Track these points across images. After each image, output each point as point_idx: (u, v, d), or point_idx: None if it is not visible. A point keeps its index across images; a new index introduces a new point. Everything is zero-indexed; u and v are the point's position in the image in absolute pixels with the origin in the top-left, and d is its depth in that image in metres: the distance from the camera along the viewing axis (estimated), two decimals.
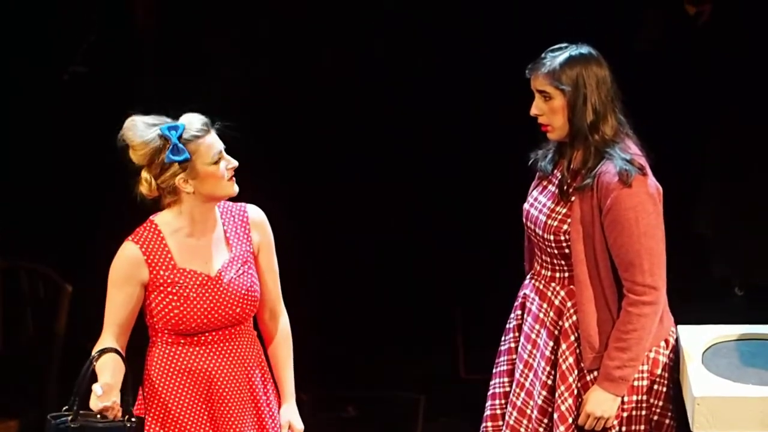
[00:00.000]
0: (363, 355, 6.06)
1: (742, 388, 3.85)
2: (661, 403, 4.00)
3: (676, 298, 4.04)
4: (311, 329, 4.22)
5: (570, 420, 3.97)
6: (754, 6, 6.01)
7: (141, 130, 3.69)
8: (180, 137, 3.69)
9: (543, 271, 4.07)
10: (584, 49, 3.94)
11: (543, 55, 3.95)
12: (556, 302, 4.02)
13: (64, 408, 3.64)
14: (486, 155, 6.46)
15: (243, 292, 3.79)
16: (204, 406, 3.80)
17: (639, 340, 3.89)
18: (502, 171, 6.09)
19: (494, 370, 4.20)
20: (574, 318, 3.98)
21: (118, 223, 4.00)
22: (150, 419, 3.79)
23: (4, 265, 5.05)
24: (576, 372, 3.97)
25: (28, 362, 4.98)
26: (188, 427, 3.78)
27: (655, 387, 3.99)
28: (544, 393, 4.01)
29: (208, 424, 3.80)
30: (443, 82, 6.55)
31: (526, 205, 4.10)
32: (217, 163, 3.72)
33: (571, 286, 3.99)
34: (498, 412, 4.16)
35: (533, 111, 3.98)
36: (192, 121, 3.73)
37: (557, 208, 3.98)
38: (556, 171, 4.03)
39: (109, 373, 3.64)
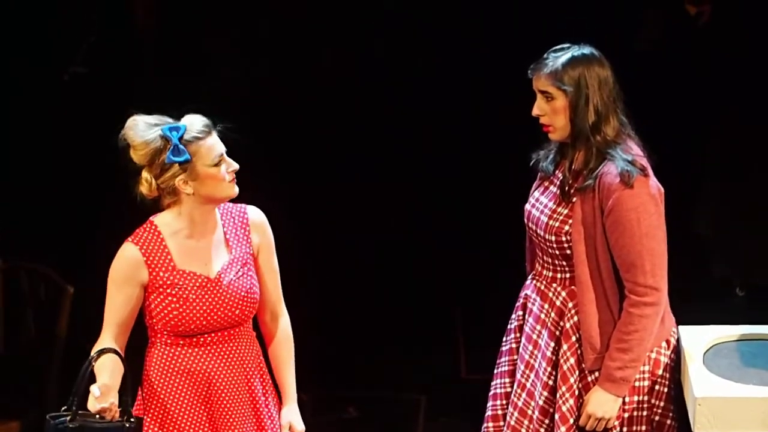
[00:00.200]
0: (363, 355, 6.06)
1: (743, 389, 3.85)
2: (662, 404, 4.00)
3: (676, 298, 4.03)
4: (311, 329, 4.22)
5: (571, 421, 3.96)
6: (754, 6, 6.01)
7: (142, 129, 3.69)
8: (181, 138, 3.68)
9: (544, 272, 4.06)
10: (586, 50, 3.93)
11: (545, 55, 3.95)
12: (558, 303, 4.02)
13: (63, 408, 3.64)
14: (486, 155, 6.46)
15: (242, 293, 3.79)
16: (203, 407, 3.79)
17: (640, 341, 3.89)
18: (502, 171, 6.10)
19: (495, 371, 4.19)
20: (576, 319, 3.98)
21: (119, 223, 4.00)
22: (149, 420, 3.78)
23: (5, 265, 5.04)
24: (577, 373, 3.97)
25: (29, 363, 4.98)
26: (187, 427, 3.78)
27: (657, 387, 3.99)
28: (545, 393, 4.01)
29: (207, 425, 3.79)
30: (443, 82, 6.55)
31: (527, 206, 4.10)
32: (217, 165, 3.72)
33: (573, 287, 3.99)
34: (499, 412, 4.15)
35: (535, 111, 3.97)
36: (193, 123, 3.72)
37: (558, 209, 3.98)
38: (557, 171, 4.03)
39: (107, 374, 3.64)
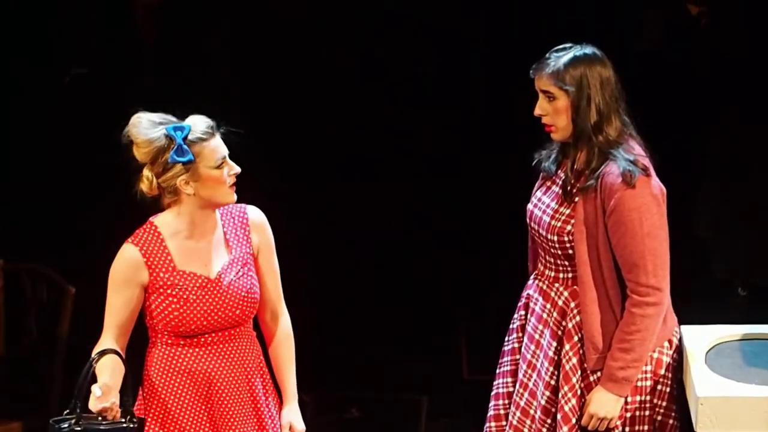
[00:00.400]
0: (364, 355, 6.06)
1: (745, 388, 3.85)
2: (664, 404, 4.00)
3: (677, 297, 4.03)
4: (311, 329, 4.22)
5: (573, 420, 3.96)
6: (754, 6, 6.01)
7: (146, 127, 3.69)
8: (185, 138, 3.68)
9: (546, 272, 4.06)
10: (588, 50, 3.93)
11: (547, 55, 3.94)
12: (560, 303, 4.02)
13: (66, 412, 3.63)
14: (486, 155, 6.46)
15: (243, 294, 3.79)
16: (204, 407, 3.79)
17: (642, 341, 3.89)
18: (502, 171, 6.11)
19: (498, 371, 4.19)
20: (578, 318, 3.98)
21: (119, 223, 4.00)
22: (150, 420, 3.78)
23: (7, 266, 5.04)
24: (579, 372, 3.97)
25: (31, 364, 4.97)
26: (188, 427, 3.77)
27: (659, 387, 3.98)
28: (547, 393, 4.01)
29: (207, 425, 3.79)
30: (443, 82, 6.55)
31: (529, 206, 4.10)
32: (219, 167, 3.71)
33: (575, 287, 3.99)
34: (501, 412, 4.15)
35: (537, 111, 3.97)
36: (198, 123, 3.72)
37: (561, 209, 3.98)
38: (559, 171, 4.02)
39: (108, 374, 3.64)
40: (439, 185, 6.59)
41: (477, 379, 5.68)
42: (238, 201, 3.83)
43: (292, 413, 3.92)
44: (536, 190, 4.10)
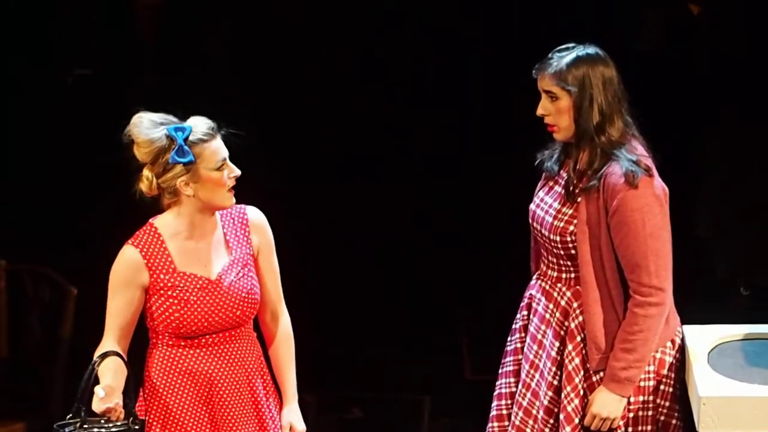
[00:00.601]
0: (365, 355, 6.06)
1: (747, 388, 3.85)
2: (667, 404, 4.00)
3: (678, 297, 4.04)
4: (311, 329, 4.22)
5: (576, 421, 3.96)
6: (754, 6, 6.01)
7: (147, 127, 3.69)
8: (186, 139, 3.68)
9: (549, 272, 4.06)
10: (591, 50, 3.93)
11: (550, 55, 3.94)
12: (562, 303, 4.02)
13: (69, 416, 3.63)
14: (486, 155, 6.46)
15: (243, 295, 3.79)
16: (205, 408, 3.79)
17: (645, 341, 3.89)
18: (502, 171, 6.11)
19: (500, 371, 4.19)
20: (580, 319, 3.98)
21: (120, 224, 3.99)
22: (151, 421, 3.78)
23: (9, 267, 5.04)
24: (582, 373, 3.97)
25: (34, 365, 4.97)
26: (189, 428, 3.77)
27: (662, 387, 3.98)
28: (550, 393, 4.01)
29: (208, 426, 3.79)
30: (443, 82, 6.55)
31: (532, 206, 4.10)
32: (220, 169, 3.72)
33: (577, 287, 3.99)
34: (504, 412, 4.15)
35: (539, 111, 3.97)
36: (199, 125, 3.72)
37: (563, 209, 3.98)
38: (562, 171, 4.03)
39: (110, 376, 3.64)
40: (439, 185, 6.58)
41: (479, 379, 5.68)
42: (238, 201, 3.83)
43: (293, 413, 3.93)
44: (538, 191, 4.10)
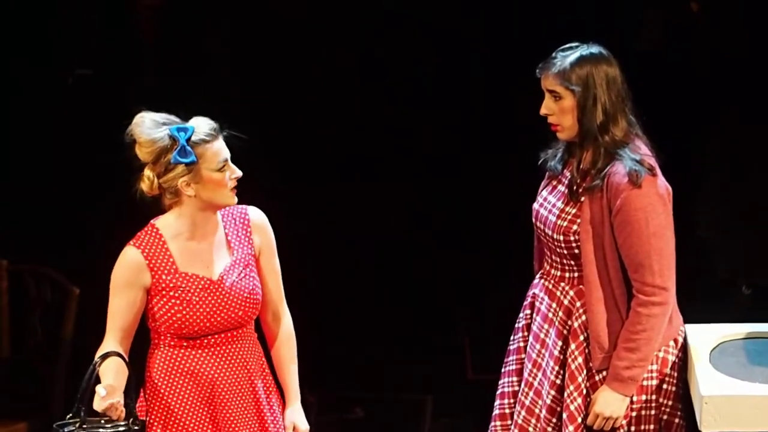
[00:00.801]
0: (365, 355, 6.06)
1: (749, 387, 3.86)
2: (670, 403, 4.00)
3: (681, 296, 4.04)
4: (311, 329, 4.22)
5: (579, 420, 3.97)
6: (754, 6, 6.01)
7: (149, 127, 3.69)
8: (188, 140, 3.69)
9: (552, 271, 4.07)
10: (595, 49, 3.94)
11: (553, 54, 3.95)
12: (566, 302, 4.02)
13: (69, 416, 3.62)
14: (486, 155, 6.45)
15: (245, 295, 3.79)
16: (206, 409, 3.79)
17: (648, 341, 3.90)
18: (502, 171, 6.11)
19: (503, 370, 4.20)
20: (584, 318, 3.98)
21: (120, 224, 3.99)
22: (152, 422, 3.78)
23: (11, 267, 5.04)
24: (585, 372, 3.97)
25: (36, 365, 4.97)
26: (191, 429, 3.77)
27: (665, 386, 3.99)
28: (552, 392, 4.01)
29: (210, 427, 3.79)
30: (443, 82, 6.54)
31: (535, 205, 4.11)
32: (221, 170, 3.72)
33: (581, 286, 3.99)
34: (507, 411, 4.15)
35: (543, 110, 3.97)
36: (201, 125, 3.73)
37: (567, 209, 3.98)
38: (565, 171, 4.03)
39: (112, 377, 3.64)
40: (439, 185, 6.58)
41: (481, 378, 5.69)
42: (239, 202, 3.83)
43: (296, 413, 3.93)
44: (542, 190, 4.11)
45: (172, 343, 3.77)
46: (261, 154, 5.29)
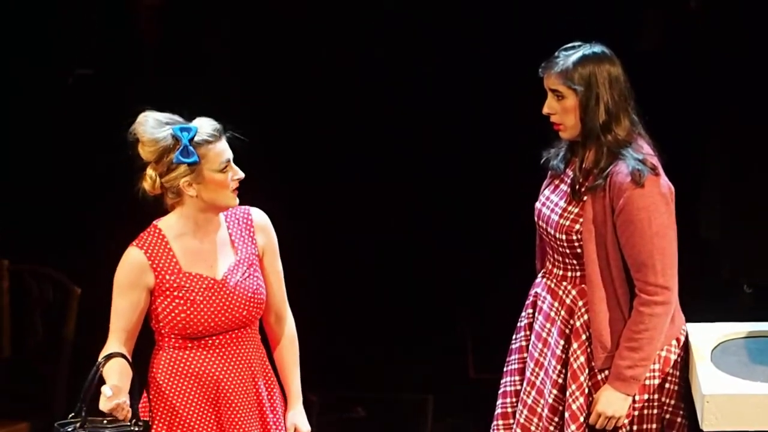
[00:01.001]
0: (365, 355, 6.06)
1: (751, 386, 3.86)
2: (672, 402, 4.01)
3: (683, 295, 4.04)
4: (311, 330, 4.22)
5: (581, 419, 3.97)
6: (754, 6, 6.01)
7: (152, 126, 3.70)
8: (191, 140, 3.69)
9: (554, 270, 4.07)
10: (597, 48, 3.94)
11: (556, 53, 3.95)
12: (568, 301, 4.03)
13: (70, 416, 3.62)
14: (486, 155, 6.45)
15: (249, 294, 3.79)
16: (211, 410, 3.79)
17: (650, 340, 3.90)
18: (502, 171, 6.11)
19: (505, 369, 4.20)
20: (586, 317, 3.98)
21: (122, 224, 3.99)
22: (157, 423, 3.78)
23: (12, 267, 5.03)
24: (587, 371, 3.97)
25: (37, 365, 4.97)
26: (197, 430, 3.77)
27: (667, 385, 3.99)
28: (554, 392, 4.01)
29: (215, 427, 3.79)
30: (443, 82, 6.54)
31: (538, 204, 4.11)
32: (223, 171, 3.72)
33: (583, 285, 4.00)
34: (509, 410, 4.16)
35: (545, 110, 3.97)
36: (204, 126, 3.73)
37: (569, 208, 3.98)
38: (568, 170, 4.03)
39: (116, 377, 3.64)
40: (439, 185, 6.57)
41: (483, 378, 5.69)
42: (239, 202, 3.83)
43: (298, 415, 3.94)
44: (544, 189, 4.11)
45: (177, 344, 3.77)
46: (261, 154, 5.29)
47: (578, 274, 4.01)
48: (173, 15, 6.59)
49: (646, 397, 3.98)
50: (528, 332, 4.14)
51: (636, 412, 3.98)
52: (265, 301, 3.84)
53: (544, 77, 3.95)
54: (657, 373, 3.98)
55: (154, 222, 3.81)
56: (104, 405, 3.56)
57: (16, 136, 6.42)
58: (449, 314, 6.43)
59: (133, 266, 3.74)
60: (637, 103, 3.98)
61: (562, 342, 4.01)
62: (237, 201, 3.78)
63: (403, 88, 6.54)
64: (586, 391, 3.98)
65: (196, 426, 3.77)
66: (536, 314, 4.12)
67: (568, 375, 3.99)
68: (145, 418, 3.72)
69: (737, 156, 6.19)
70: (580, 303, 4.00)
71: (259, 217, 3.88)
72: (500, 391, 4.19)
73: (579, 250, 3.97)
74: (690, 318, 4.12)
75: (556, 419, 4.02)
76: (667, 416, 4.01)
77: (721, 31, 6.18)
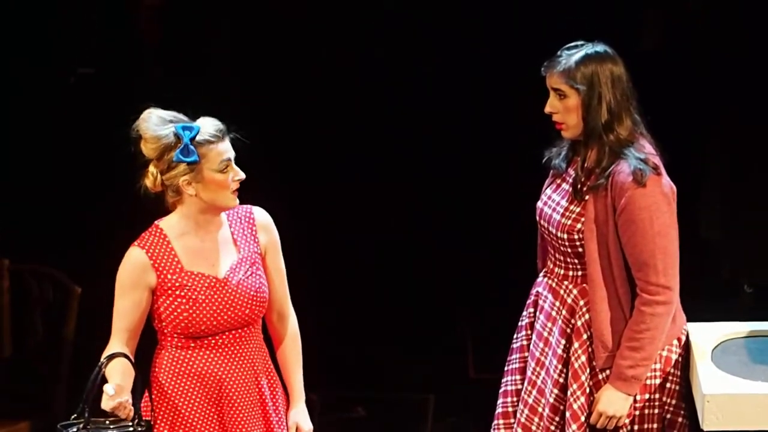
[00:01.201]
0: (367, 356, 6.06)
1: (751, 385, 3.86)
2: (673, 401, 4.01)
3: (684, 295, 4.04)
4: (311, 330, 4.23)
5: (582, 418, 3.97)
6: (754, 6, 6.02)
7: (155, 124, 3.70)
8: (193, 139, 3.69)
9: (556, 269, 4.07)
10: (600, 47, 3.94)
11: (559, 53, 3.95)
12: (569, 300, 4.03)
13: (73, 416, 3.62)
14: (486, 155, 6.46)
15: (252, 293, 3.79)
16: (214, 409, 3.79)
17: (652, 340, 3.90)
18: (502, 171, 6.11)
19: (506, 368, 4.20)
20: (587, 316, 3.99)
21: (122, 224, 3.99)
22: (160, 423, 3.78)
23: (12, 267, 5.03)
24: (588, 370, 3.98)
25: (37, 365, 4.97)
26: (199, 430, 3.77)
27: (668, 385, 3.99)
28: (556, 391, 4.01)
29: (217, 427, 3.79)
30: (443, 82, 6.54)
31: (539, 203, 4.11)
32: (223, 171, 3.72)
33: (584, 285, 4.00)
34: (510, 409, 4.16)
35: (548, 109, 3.97)
36: (207, 125, 3.74)
37: (571, 207, 3.98)
38: (569, 169, 4.03)
39: (118, 377, 3.64)
40: (439, 185, 6.58)
41: (483, 378, 5.69)
42: (240, 201, 3.83)
43: (300, 414, 3.94)
44: (546, 188, 4.11)
45: (179, 344, 3.77)
46: (261, 154, 5.29)
47: (579, 273, 4.01)
48: (173, 15, 6.59)
49: (647, 396, 3.98)
50: (529, 332, 4.14)
51: (637, 412, 3.98)
52: (267, 299, 3.84)
53: (547, 76, 3.95)
54: (658, 373, 3.98)
55: (156, 222, 3.81)
56: (106, 404, 3.56)
57: (16, 136, 6.42)
58: (449, 314, 6.43)
59: (134, 266, 3.74)
60: (639, 103, 3.98)
61: (563, 341, 4.01)
62: (237, 202, 3.78)
63: (403, 88, 6.54)
64: (587, 390, 3.98)
65: (199, 426, 3.77)
66: (537, 313, 4.12)
67: (569, 374, 3.99)
68: (147, 418, 3.72)
69: (737, 156, 6.20)
70: (582, 302, 4.00)
71: (261, 215, 3.88)
72: (501, 391, 4.19)
73: (580, 250, 3.97)
74: (692, 318, 4.13)
75: (557, 419, 4.02)
76: (668, 416, 4.01)
77: (721, 31, 6.19)
